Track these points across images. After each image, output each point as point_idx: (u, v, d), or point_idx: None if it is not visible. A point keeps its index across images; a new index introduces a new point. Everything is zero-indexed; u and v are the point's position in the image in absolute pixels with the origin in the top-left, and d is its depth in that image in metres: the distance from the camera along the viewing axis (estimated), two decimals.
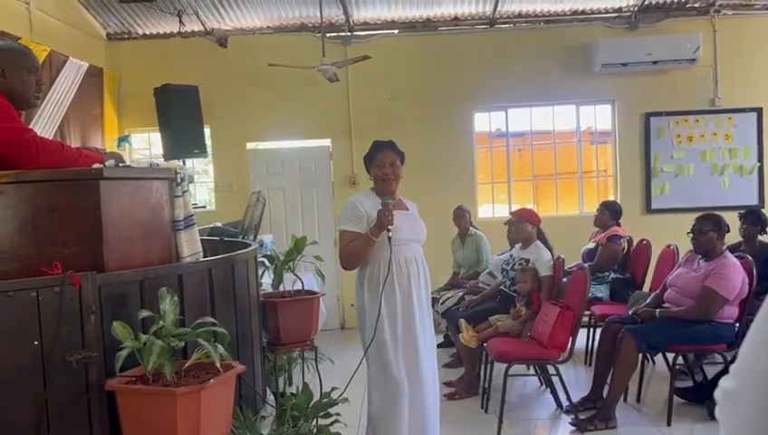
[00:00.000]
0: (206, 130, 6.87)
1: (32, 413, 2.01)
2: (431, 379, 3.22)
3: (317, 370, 3.35)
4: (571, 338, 4.08)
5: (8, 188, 2.18)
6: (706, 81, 6.99)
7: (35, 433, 2.01)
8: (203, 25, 6.93)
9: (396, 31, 7.17)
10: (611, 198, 6.99)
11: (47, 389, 2.02)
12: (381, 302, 3.07)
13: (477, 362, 4.82)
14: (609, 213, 5.58)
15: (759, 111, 6.95)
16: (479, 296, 5.07)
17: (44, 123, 5.49)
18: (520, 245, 4.85)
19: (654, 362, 4.90)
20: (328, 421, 3.13)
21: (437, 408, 3.27)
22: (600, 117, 7.35)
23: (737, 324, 4.01)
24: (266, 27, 7.11)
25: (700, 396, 4.25)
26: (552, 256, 4.64)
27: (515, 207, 6.92)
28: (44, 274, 2.09)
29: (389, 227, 3.00)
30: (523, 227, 4.75)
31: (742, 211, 5.11)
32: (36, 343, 2.02)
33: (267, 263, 3.48)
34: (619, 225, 5.58)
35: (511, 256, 4.91)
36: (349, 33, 7.08)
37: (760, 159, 7.00)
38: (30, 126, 3.03)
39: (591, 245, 5.64)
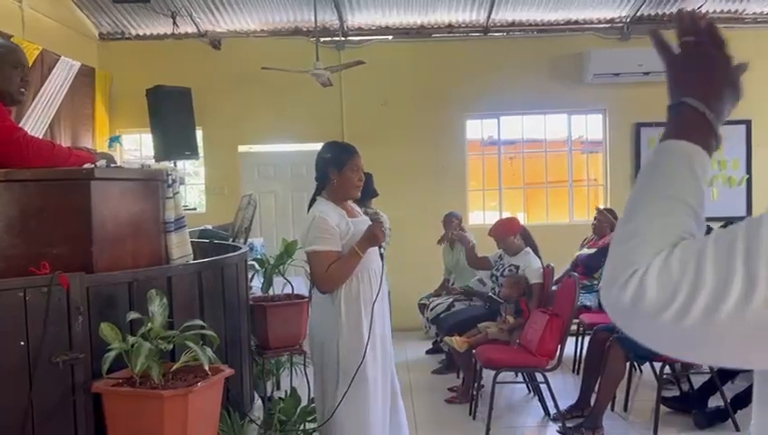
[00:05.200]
0: (198, 132, 6.85)
1: (16, 414, 1.99)
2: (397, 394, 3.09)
3: (305, 374, 3.34)
4: (559, 346, 4.09)
5: None
6: None
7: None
8: (196, 27, 6.92)
9: (390, 37, 7.19)
10: (601, 206, 7.02)
11: (32, 390, 2.00)
12: (372, 321, 2.80)
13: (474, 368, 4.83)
14: (609, 222, 5.60)
15: (748, 123, 7.02)
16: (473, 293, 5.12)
17: (35, 122, 5.46)
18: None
19: (641, 372, 4.92)
20: (315, 426, 3.12)
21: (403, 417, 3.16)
22: (591, 126, 7.40)
23: None
24: (260, 30, 7.11)
25: (686, 405, 4.28)
26: (542, 262, 4.65)
27: (506, 214, 6.95)
28: (32, 274, 2.08)
29: (383, 243, 2.81)
30: (509, 242, 4.73)
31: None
32: (22, 343, 2.00)
33: (257, 266, 3.47)
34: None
35: (500, 257, 4.89)
36: (343, 38, 7.09)
37: (748, 170, 7.07)
38: (20, 125, 3.01)
39: (590, 251, 5.65)
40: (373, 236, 2.78)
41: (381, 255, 2.83)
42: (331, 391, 2.88)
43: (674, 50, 0.92)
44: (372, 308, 2.83)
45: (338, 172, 2.95)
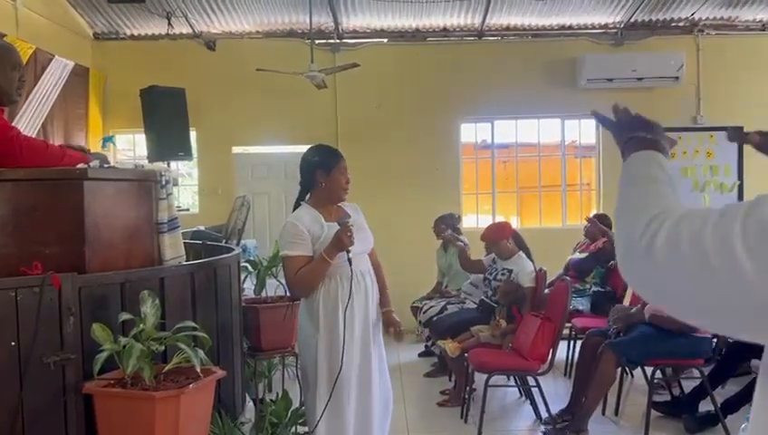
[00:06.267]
0: (192, 133, 6.84)
1: (7, 415, 1.98)
2: (381, 402, 2.99)
3: (297, 377, 3.33)
4: (551, 350, 4.10)
5: None
6: (689, 98, 7.10)
7: None
8: (191, 28, 6.90)
9: (385, 40, 7.20)
10: (594, 211, 7.06)
11: (23, 390, 1.99)
12: (344, 325, 2.77)
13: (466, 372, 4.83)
14: (599, 230, 5.64)
15: (740, 129, 7.05)
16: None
17: (27, 122, 5.43)
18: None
19: (632, 376, 4.94)
20: (306, 429, 3.12)
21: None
22: (584, 131, 7.43)
23: (714, 339, 4.06)
24: (255, 32, 7.11)
25: (677, 410, 4.29)
26: (534, 266, 4.66)
27: (499, 218, 6.97)
28: (24, 274, 2.07)
29: (350, 248, 2.74)
30: (501, 246, 4.74)
31: None
32: (13, 343, 1.99)
33: (250, 268, 3.47)
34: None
35: (494, 260, 4.90)
36: (338, 41, 7.09)
37: (740, 176, 7.12)
38: (12, 124, 3.01)
39: (582, 255, 5.68)
40: (339, 242, 2.74)
41: (349, 260, 2.77)
42: (311, 396, 2.86)
43: (613, 118, 1.24)
44: (345, 311, 2.78)
45: (326, 175, 2.94)
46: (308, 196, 3.01)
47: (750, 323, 0.74)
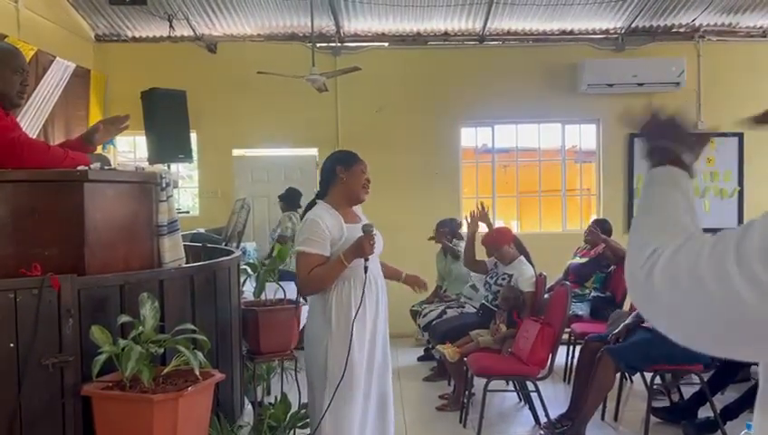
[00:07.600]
0: (193, 136, 6.84)
1: (5, 417, 1.97)
2: (388, 402, 3.02)
3: (296, 380, 3.33)
4: (550, 355, 4.09)
5: None
6: (690, 104, 7.10)
7: None
8: (193, 30, 6.91)
9: (386, 44, 7.21)
10: (594, 216, 7.06)
11: (21, 392, 1.99)
12: (353, 329, 2.77)
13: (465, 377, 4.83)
14: (601, 230, 5.65)
15: (740, 136, 7.07)
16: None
17: (28, 123, 5.44)
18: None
19: (632, 381, 4.93)
20: (305, 432, 3.11)
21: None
22: (585, 136, 7.43)
23: None
24: (256, 35, 7.12)
25: (676, 416, 4.29)
26: (534, 271, 4.66)
27: (499, 223, 6.97)
28: (23, 275, 2.07)
29: (369, 257, 2.73)
30: (503, 251, 4.75)
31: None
32: (12, 345, 1.99)
33: (249, 271, 3.46)
34: None
35: (495, 265, 4.90)
36: (339, 44, 7.11)
37: (740, 182, 7.12)
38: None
39: (582, 260, 5.69)
40: (360, 248, 2.73)
41: (366, 268, 2.76)
42: (318, 399, 2.86)
43: (642, 122, 1.15)
44: (355, 316, 2.77)
45: (346, 170, 2.94)
46: (326, 196, 2.99)
47: (749, 345, 0.77)
